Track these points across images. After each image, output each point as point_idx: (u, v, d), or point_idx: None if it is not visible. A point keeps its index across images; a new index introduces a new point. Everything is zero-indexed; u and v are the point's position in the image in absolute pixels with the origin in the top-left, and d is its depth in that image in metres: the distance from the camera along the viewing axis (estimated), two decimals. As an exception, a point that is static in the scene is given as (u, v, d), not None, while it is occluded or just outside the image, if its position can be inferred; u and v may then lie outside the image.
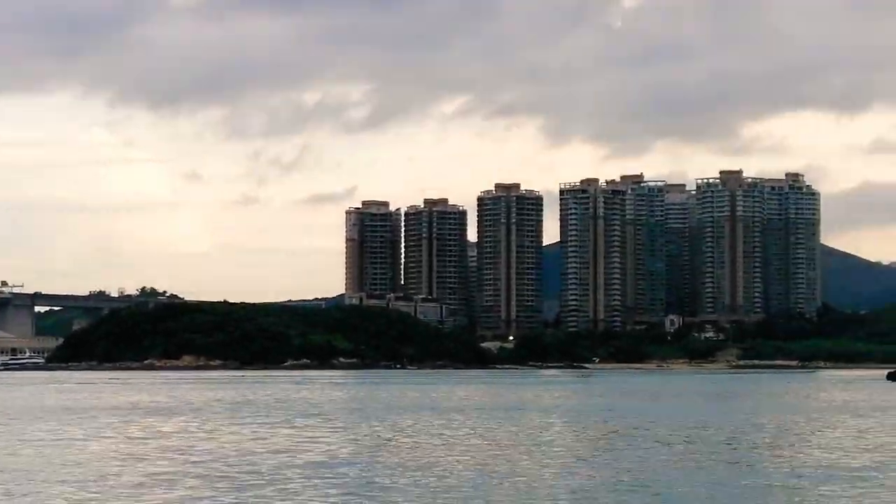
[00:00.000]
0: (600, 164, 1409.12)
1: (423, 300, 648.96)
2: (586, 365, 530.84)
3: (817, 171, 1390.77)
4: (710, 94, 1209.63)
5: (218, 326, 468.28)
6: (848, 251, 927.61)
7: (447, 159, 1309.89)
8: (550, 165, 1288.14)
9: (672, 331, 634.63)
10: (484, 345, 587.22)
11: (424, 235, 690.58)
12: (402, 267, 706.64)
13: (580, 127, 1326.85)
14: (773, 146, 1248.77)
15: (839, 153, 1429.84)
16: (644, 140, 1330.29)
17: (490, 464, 72.15)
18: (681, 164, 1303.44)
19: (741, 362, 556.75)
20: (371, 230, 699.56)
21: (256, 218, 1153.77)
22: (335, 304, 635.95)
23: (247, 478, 64.92)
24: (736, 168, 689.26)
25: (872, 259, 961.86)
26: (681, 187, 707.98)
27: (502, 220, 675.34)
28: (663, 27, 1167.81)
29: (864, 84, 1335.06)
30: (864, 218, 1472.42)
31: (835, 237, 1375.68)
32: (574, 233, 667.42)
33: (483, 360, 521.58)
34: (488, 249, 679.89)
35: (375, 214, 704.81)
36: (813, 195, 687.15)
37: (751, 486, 61.58)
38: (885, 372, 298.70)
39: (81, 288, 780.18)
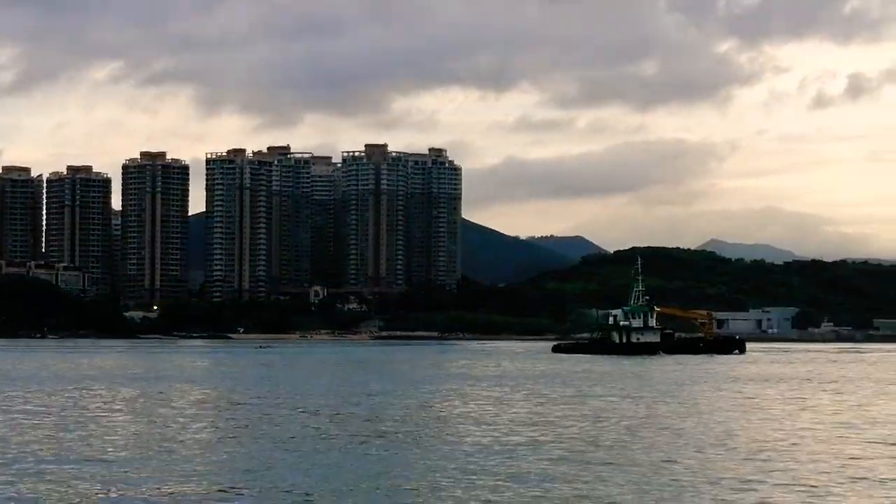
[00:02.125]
0: (251, 135, 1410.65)
1: (66, 268, 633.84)
2: (230, 335, 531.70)
3: (463, 147, 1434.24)
4: (361, 69, 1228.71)
5: None
6: (489, 226, 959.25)
7: (96, 126, 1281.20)
8: (202, 135, 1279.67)
9: (316, 302, 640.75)
10: (128, 314, 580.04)
11: (67, 203, 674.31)
12: (43, 235, 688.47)
13: (232, 97, 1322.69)
14: (422, 122, 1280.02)
15: (484, 130, 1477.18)
16: (296, 112, 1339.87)
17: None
18: (331, 136, 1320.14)
19: (383, 333, 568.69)
20: (11, 197, 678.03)
21: None
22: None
23: None
24: (383, 142, 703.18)
25: (511, 234, 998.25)
26: (327, 160, 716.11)
27: (147, 189, 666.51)
28: (318, 0, 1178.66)
29: (509, 63, 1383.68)
30: (505, 194, 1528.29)
31: (477, 212, 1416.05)
32: (220, 203, 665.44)
33: (127, 330, 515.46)
34: (133, 218, 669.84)
35: (16, 181, 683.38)
36: (455, 170, 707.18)
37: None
38: (531, 343, 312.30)
39: None
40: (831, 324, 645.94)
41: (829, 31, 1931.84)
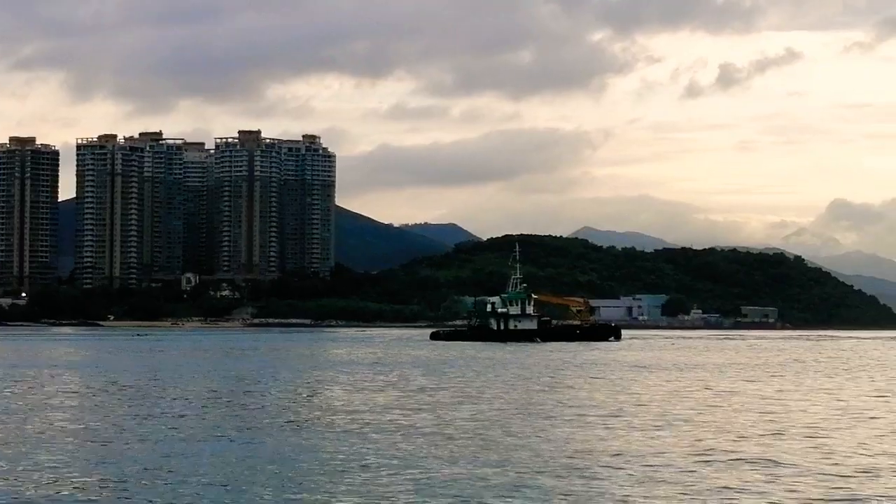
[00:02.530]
0: (124, 121, 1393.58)
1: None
2: (101, 322, 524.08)
3: (338, 135, 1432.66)
4: (236, 55, 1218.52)
5: None
6: (362, 213, 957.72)
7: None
8: (73, 120, 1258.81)
9: (188, 289, 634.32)
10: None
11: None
12: None
13: (105, 83, 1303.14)
14: (296, 109, 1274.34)
15: (359, 117, 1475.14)
16: (169, 98, 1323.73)
17: None
18: (205, 123, 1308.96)
19: (256, 321, 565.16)
20: None
21: None
22: None
23: None
24: (257, 129, 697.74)
25: (385, 221, 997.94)
26: (200, 146, 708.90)
27: (16, 175, 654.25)
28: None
29: (385, 51, 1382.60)
30: (380, 181, 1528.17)
31: (352, 199, 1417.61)
32: (91, 189, 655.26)
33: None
34: (1, 204, 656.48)
35: None
36: (329, 157, 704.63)
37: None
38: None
39: None
40: (700, 311, 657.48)
41: (702, 21, 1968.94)
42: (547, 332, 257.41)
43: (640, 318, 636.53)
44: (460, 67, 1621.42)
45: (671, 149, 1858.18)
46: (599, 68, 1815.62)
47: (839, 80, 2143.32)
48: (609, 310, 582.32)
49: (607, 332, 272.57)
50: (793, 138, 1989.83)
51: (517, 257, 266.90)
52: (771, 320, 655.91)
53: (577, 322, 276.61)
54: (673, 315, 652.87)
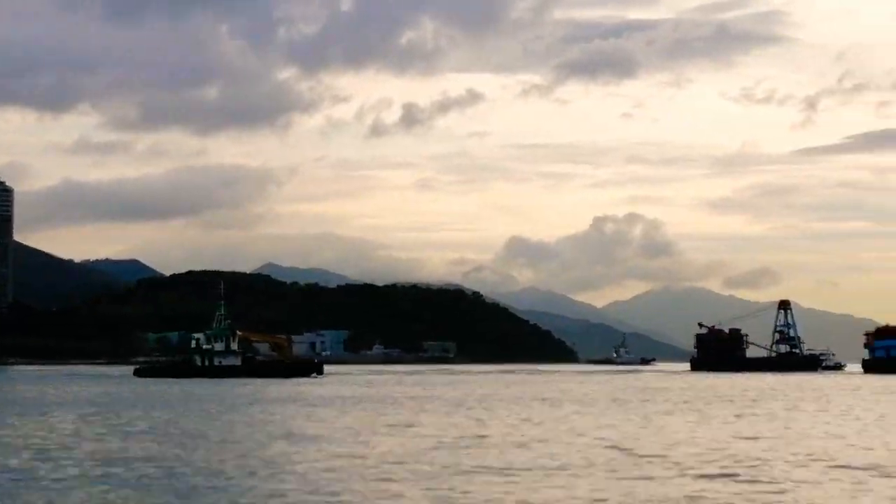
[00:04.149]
0: None
1: None
2: None
3: (19, 169, 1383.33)
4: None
5: None
6: (43, 249, 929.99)
7: None
8: None
9: None
10: None
11: None
12: None
13: None
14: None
15: (41, 151, 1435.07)
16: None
17: None
18: None
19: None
20: None
21: None
22: None
23: None
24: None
25: (66, 257, 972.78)
26: None
27: None
28: None
29: (69, 85, 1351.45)
30: (62, 216, 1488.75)
31: (31, 235, 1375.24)
32: None
33: None
34: None
35: None
36: (7, 192, 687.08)
37: None
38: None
39: None
40: (382, 346, 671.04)
41: (386, 62, 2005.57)
42: (252, 368, 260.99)
43: (324, 353, 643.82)
44: (146, 102, 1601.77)
45: (355, 186, 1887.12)
46: (286, 106, 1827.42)
47: (517, 121, 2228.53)
48: (293, 346, 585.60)
49: (310, 367, 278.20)
50: (472, 177, 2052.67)
51: (222, 294, 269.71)
52: (451, 355, 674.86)
53: (280, 358, 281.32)
54: (356, 350, 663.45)
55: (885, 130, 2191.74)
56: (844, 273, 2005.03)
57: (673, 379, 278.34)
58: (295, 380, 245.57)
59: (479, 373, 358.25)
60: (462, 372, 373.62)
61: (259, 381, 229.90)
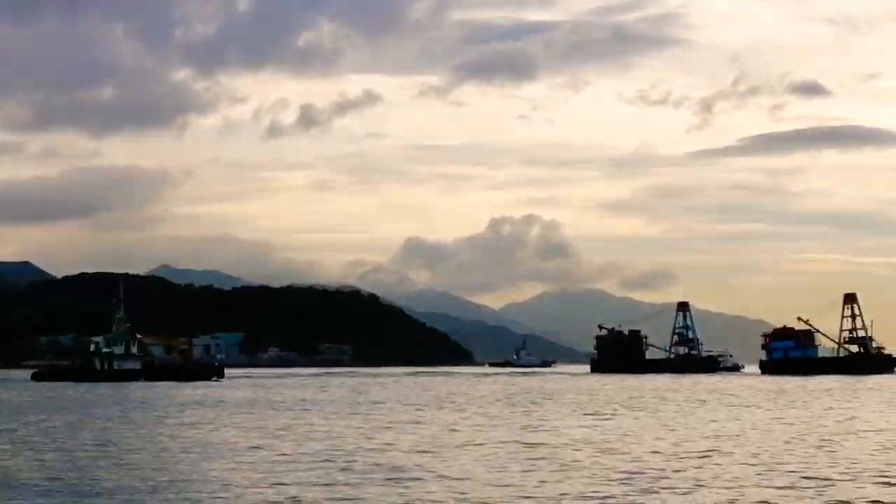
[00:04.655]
0: None
1: None
2: None
3: None
4: None
5: None
6: None
7: None
8: None
9: None
10: None
11: None
12: None
13: None
14: None
15: None
16: None
17: None
18: None
19: None
20: None
21: None
22: None
23: None
24: None
25: None
26: None
27: None
28: None
29: None
30: None
31: None
32: None
33: None
34: None
35: None
36: None
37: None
38: None
39: None
40: (277, 349, 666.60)
41: (284, 63, 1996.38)
42: (152, 372, 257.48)
43: (219, 356, 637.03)
44: (38, 103, 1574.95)
45: (252, 188, 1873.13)
46: (182, 107, 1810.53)
47: (414, 122, 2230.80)
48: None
49: (211, 371, 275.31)
50: (369, 178, 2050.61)
51: (121, 297, 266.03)
52: (346, 357, 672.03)
53: (181, 362, 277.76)
54: (251, 353, 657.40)
55: (779, 133, 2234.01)
56: (739, 275, 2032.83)
57: (587, 380, 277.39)
58: (195, 383, 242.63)
59: (386, 376, 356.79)
60: (367, 375, 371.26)
61: (161, 385, 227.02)
